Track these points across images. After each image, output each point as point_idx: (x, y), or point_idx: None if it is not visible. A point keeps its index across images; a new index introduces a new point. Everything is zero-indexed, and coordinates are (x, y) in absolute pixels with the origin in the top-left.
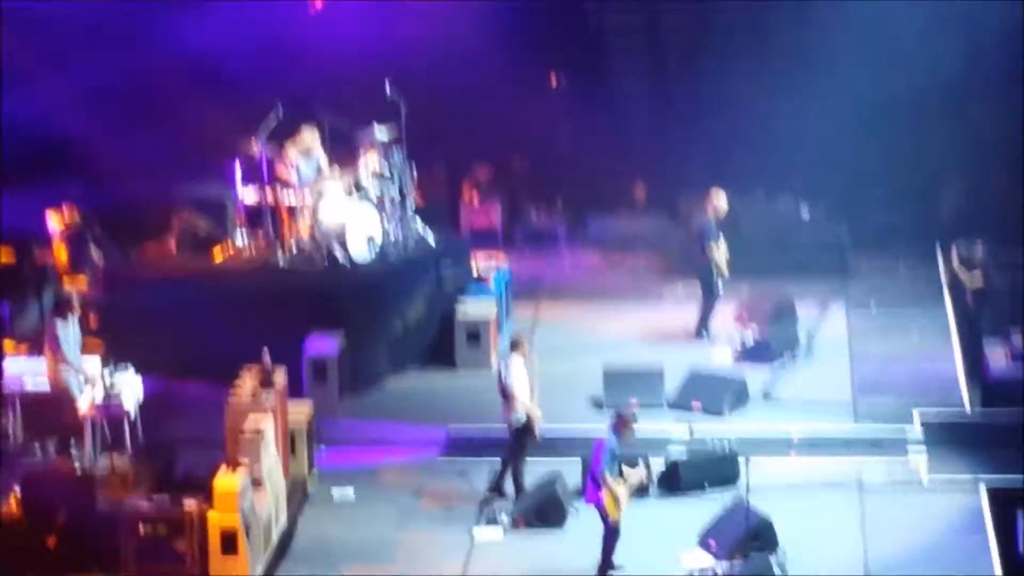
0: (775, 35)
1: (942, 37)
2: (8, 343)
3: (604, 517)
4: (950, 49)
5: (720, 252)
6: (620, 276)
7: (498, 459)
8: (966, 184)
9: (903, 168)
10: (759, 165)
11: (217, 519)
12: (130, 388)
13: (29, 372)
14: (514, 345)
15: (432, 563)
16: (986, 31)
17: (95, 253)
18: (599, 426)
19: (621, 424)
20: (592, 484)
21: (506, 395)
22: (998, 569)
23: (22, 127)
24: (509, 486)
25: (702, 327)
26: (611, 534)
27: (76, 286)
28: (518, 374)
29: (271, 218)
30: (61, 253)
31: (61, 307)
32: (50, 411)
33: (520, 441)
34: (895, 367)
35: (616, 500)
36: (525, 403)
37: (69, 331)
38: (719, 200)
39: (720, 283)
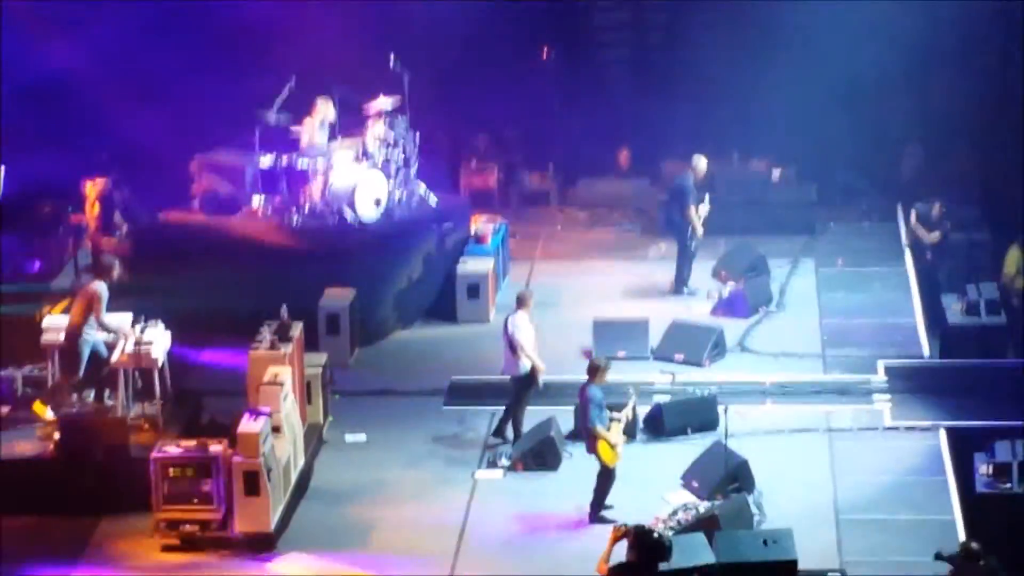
0: (750, 9)
1: (904, 10)
2: (59, 304)
3: (602, 464)
4: (911, 21)
5: (699, 213)
6: (607, 235)
7: (496, 407)
8: (926, 147)
9: (867, 133)
10: (734, 130)
11: (240, 462)
12: (159, 341)
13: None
14: (520, 301)
15: (437, 502)
16: (945, 3)
17: (122, 216)
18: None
19: (595, 372)
20: (587, 436)
21: (513, 348)
22: (956, 506)
23: (51, 95)
24: (509, 431)
25: (679, 284)
26: (606, 477)
27: (107, 246)
28: (525, 328)
29: (286, 182)
30: (93, 215)
31: (105, 271)
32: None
33: (523, 390)
34: (860, 320)
35: (611, 447)
36: (532, 355)
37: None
38: (700, 164)
39: (695, 243)
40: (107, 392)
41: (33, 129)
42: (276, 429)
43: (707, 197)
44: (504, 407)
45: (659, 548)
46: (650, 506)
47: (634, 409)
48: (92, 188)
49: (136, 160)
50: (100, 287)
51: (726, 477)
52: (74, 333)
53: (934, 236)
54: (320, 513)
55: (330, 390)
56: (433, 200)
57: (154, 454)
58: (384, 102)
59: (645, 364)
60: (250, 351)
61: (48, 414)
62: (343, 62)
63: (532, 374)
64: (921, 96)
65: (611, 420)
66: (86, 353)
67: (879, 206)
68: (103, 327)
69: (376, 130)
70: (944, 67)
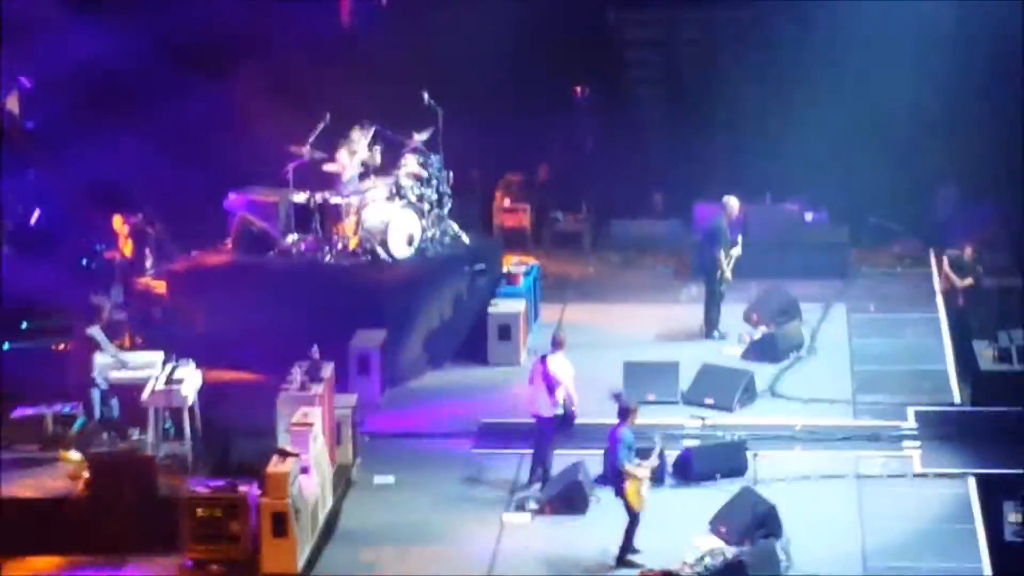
0: (782, 50)
1: (939, 48)
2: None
3: (627, 505)
4: (946, 60)
5: (730, 255)
6: (639, 277)
7: (527, 450)
8: (960, 191)
9: (901, 175)
10: (767, 171)
11: (269, 503)
12: (190, 380)
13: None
14: (558, 342)
15: (465, 544)
16: (981, 41)
17: (155, 253)
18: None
19: (626, 414)
20: (614, 476)
21: (551, 388)
22: (985, 554)
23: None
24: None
25: (709, 327)
26: (633, 522)
27: (140, 283)
28: (564, 369)
29: (319, 218)
30: (127, 252)
31: (96, 313)
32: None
33: (554, 431)
34: (891, 366)
35: (639, 489)
36: (573, 395)
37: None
38: (731, 204)
39: (724, 285)
40: (136, 431)
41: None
42: (305, 470)
43: (739, 239)
44: (533, 451)
45: None
46: (678, 551)
47: (662, 454)
48: (122, 224)
49: (169, 196)
50: (93, 331)
51: (754, 523)
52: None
53: (967, 281)
54: (347, 555)
55: (359, 431)
56: (465, 239)
57: (182, 494)
58: (418, 139)
59: (675, 408)
60: (280, 391)
61: (74, 455)
62: (378, 98)
63: (568, 416)
64: (955, 138)
65: (638, 466)
66: (96, 397)
67: (911, 249)
68: (115, 357)
69: (409, 167)
70: (978, 109)
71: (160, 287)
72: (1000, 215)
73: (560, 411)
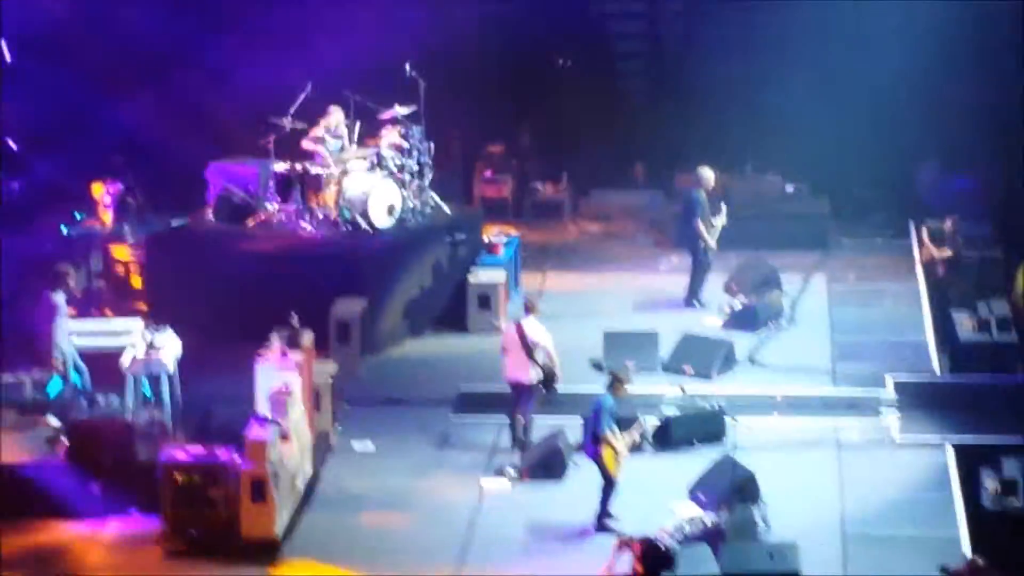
0: (763, 23)
1: (919, 22)
2: None
3: (603, 471)
4: (927, 35)
5: (711, 225)
6: (619, 247)
7: (504, 417)
8: (939, 163)
9: (882, 147)
10: (748, 143)
11: (248, 469)
12: (169, 347)
13: (77, 332)
14: (529, 307)
15: (444, 510)
16: (961, 16)
17: (135, 221)
18: (599, 387)
19: (616, 383)
20: (592, 441)
21: (529, 352)
22: (962, 521)
23: (65, 101)
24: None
25: (692, 296)
26: (609, 486)
27: (120, 251)
28: (540, 331)
29: (300, 188)
30: (106, 220)
31: (61, 280)
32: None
33: (535, 395)
34: (871, 336)
35: (615, 456)
36: (554, 355)
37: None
38: (706, 175)
39: (709, 255)
40: (114, 397)
41: (45, 133)
42: (284, 437)
43: (723, 208)
44: (510, 417)
45: (665, 560)
46: (656, 517)
47: (642, 426)
48: (103, 192)
49: (150, 165)
50: (55, 297)
51: (733, 489)
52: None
53: (945, 252)
54: (327, 521)
55: (339, 398)
56: (446, 210)
57: (162, 460)
58: (399, 110)
59: (655, 376)
60: (260, 358)
61: (53, 421)
62: (359, 69)
63: (548, 378)
64: (937, 111)
65: (617, 435)
66: (68, 362)
67: (892, 221)
68: (58, 341)
69: (390, 138)
70: (960, 81)
71: (140, 255)
72: (980, 187)
73: (539, 375)
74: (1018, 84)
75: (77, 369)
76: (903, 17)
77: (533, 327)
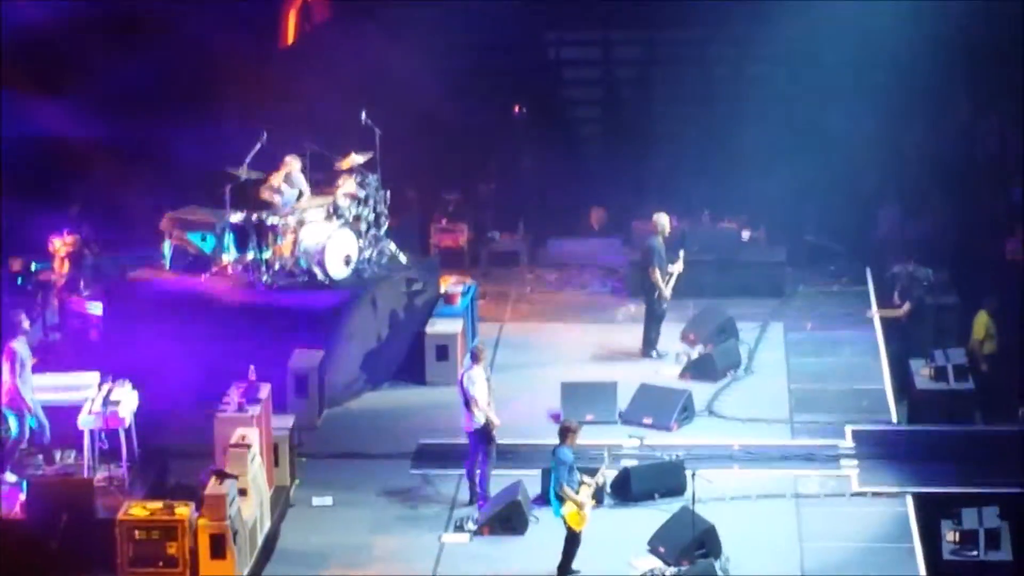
0: (719, 71)
1: (875, 68)
2: None
3: (567, 527)
4: (881, 81)
5: (667, 273)
6: (576, 296)
7: (463, 471)
8: (896, 210)
9: (838, 194)
10: (704, 190)
11: (207, 525)
12: (127, 401)
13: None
14: (475, 356)
15: (404, 566)
16: (918, 59)
17: (91, 274)
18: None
19: (567, 434)
20: (555, 496)
21: (467, 402)
22: (923, 573)
23: (23, 150)
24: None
25: (648, 346)
26: (573, 542)
27: (75, 304)
28: (480, 383)
29: (256, 238)
30: (62, 272)
31: (16, 328)
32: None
33: (480, 444)
34: (829, 385)
35: (579, 510)
36: (486, 410)
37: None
38: (662, 221)
39: (663, 304)
40: (73, 453)
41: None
42: (243, 492)
43: (681, 255)
44: (466, 468)
45: None
46: (616, 571)
47: (603, 473)
48: (61, 245)
49: (106, 217)
50: (13, 345)
51: (693, 542)
52: (7, 394)
53: (905, 308)
54: None
55: (297, 452)
56: (403, 259)
57: (120, 516)
58: (355, 159)
59: (613, 428)
60: (217, 412)
61: (10, 477)
62: (315, 118)
63: (487, 428)
64: (892, 159)
65: (581, 483)
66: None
67: (849, 269)
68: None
69: (347, 187)
70: (915, 128)
71: (96, 308)
72: (936, 233)
73: (480, 423)
74: (971, 132)
75: (39, 421)
76: (859, 65)
77: (474, 377)
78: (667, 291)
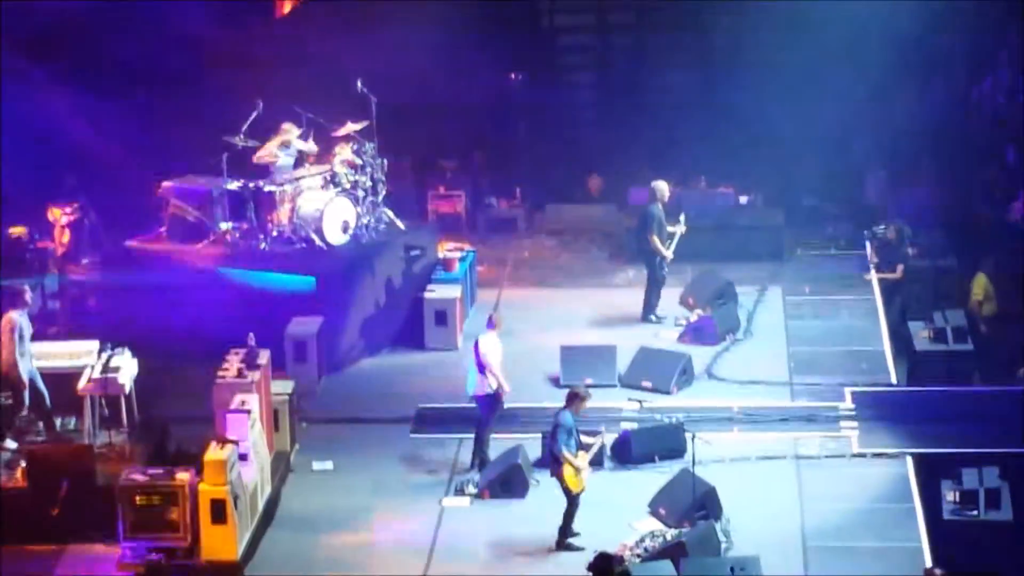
0: (713, 35)
1: (870, 36)
2: None
3: (565, 489)
4: (876, 45)
5: (667, 237)
6: (574, 261)
7: (463, 434)
8: (890, 172)
9: (833, 158)
10: (701, 156)
11: (207, 490)
12: (126, 368)
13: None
14: (492, 322)
15: (404, 530)
16: (909, 26)
17: (90, 242)
18: (557, 403)
19: (575, 400)
20: (553, 460)
21: (481, 367)
22: (923, 532)
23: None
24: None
25: (648, 310)
26: (572, 505)
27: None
28: (495, 349)
29: (254, 206)
30: (62, 241)
31: (18, 297)
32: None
33: (489, 411)
34: (828, 347)
35: (577, 473)
36: (499, 375)
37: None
38: (661, 188)
39: (664, 268)
40: (73, 420)
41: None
42: (243, 457)
43: (682, 218)
44: (475, 433)
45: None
46: (617, 533)
47: (603, 437)
48: (59, 214)
49: (103, 186)
50: (13, 316)
51: (693, 504)
52: (6, 364)
53: (899, 271)
54: (287, 541)
55: (297, 417)
56: (401, 226)
57: (120, 482)
58: (352, 127)
59: (612, 391)
60: (217, 379)
61: (10, 444)
62: (311, 87)
63: (497, 395)
64: (885, 120)
65: (579, 448)
66: (26, 383)
67: (846, 232)
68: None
69: (344, 155)
70: (908, 90)
71: (95, 276)
72: (933, 197)
73: (491, 390)
74: (964, 96)
75: (38, 390)
76: (853, 31)
77: (486, 344)
78: (668, 253)
